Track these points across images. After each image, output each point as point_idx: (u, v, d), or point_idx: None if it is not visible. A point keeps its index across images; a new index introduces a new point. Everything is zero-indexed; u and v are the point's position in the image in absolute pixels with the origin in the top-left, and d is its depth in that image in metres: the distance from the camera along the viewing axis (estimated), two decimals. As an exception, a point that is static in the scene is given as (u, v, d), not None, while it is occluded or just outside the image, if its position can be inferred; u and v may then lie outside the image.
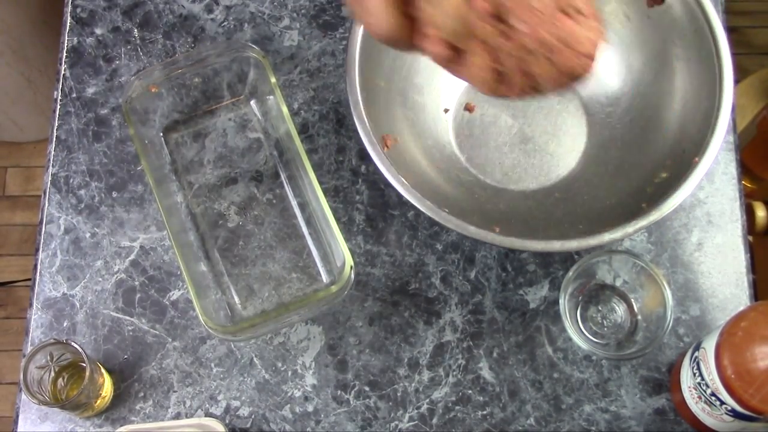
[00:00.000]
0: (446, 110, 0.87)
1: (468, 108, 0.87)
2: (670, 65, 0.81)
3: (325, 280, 0.82)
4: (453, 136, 0.86)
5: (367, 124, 0.74)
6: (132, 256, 0.84)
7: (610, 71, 0.86)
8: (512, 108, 0.88)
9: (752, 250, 0.87)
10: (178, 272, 0.83)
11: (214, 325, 0.72)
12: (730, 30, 0.84)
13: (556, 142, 0.86)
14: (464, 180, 0.84)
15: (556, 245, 0.71)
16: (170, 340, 0.81)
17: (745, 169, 0.91)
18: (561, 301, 0.77)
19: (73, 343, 0.72)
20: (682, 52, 0.80)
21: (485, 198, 0.83)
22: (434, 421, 0.78)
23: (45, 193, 0.86)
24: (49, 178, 0.87)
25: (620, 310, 0.81)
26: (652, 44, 0.82)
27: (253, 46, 0.83)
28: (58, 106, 0.90)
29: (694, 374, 0.71)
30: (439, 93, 0.87)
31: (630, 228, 0.71)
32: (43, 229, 0.85)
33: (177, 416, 0.78)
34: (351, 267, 0.74)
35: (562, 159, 0.86)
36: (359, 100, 0.75)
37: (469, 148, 0.86)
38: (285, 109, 0.80)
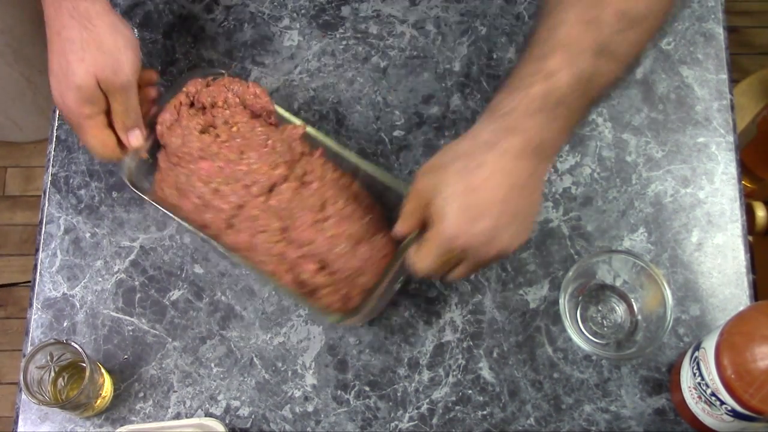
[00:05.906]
0: None
1: None
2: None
3: None
4: None
5: None
6: (132, 256, 0.84)
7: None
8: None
9: (752, 250, 0.87)
10: (178, 272, 0.83)
11: (338, 318, 0.72)
12: (730, 30, 0.84)
13: None
14: None
15: None
16: (170, 340, 0.81)
17: (745, 169, 0.91)
18: (561, 301, 0.77)
19: (73, 343, 0.72)
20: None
21: None
22: (434, 421, 0.78)
23: (45, 193, 0.86)
24: (49, 178, 0.87)
25: (620, 310, 0.81)
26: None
27: (221, 71, 0.79)
28: (58, 106, 0.90)
29: (694, 374, 0.71)
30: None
31: None
32: (43, 229, 0.85)
33: (177, 416, 0.78)
34: None
35: None
36: None
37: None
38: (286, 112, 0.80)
